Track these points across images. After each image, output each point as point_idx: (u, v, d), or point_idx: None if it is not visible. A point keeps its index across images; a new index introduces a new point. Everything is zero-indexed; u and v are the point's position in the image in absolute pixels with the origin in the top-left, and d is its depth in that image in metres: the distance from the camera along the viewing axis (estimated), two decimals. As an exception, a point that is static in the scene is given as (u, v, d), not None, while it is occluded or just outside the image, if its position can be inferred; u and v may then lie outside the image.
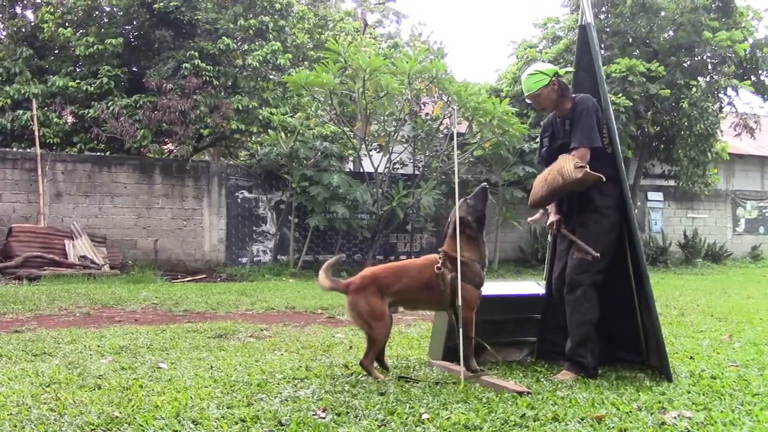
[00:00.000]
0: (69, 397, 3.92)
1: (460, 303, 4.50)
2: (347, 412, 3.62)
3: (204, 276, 13.71)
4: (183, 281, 12.85)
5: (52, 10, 15.25)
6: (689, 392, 4.13)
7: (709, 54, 17.38)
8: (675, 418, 3.56)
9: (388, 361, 5.04)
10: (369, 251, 15.00)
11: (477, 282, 4.63)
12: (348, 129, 14.82)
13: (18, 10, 16.65)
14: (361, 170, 15.73)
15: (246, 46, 15.70)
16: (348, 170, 16.02)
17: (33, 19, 16.11)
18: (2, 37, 15.88)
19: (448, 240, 4.72)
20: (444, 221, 4.86)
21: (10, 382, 4.35)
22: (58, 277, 11.75)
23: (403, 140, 15.65)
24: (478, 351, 4.82)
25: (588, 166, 4.51)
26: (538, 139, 15.30)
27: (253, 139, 15.87)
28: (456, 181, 4.84)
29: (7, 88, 14.51)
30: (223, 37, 15.20)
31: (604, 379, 4.51)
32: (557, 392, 4.09)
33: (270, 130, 14.69)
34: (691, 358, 5.26)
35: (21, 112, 14.28)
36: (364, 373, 4.59)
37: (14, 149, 14.62)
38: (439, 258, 4.65)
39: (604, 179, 4.50)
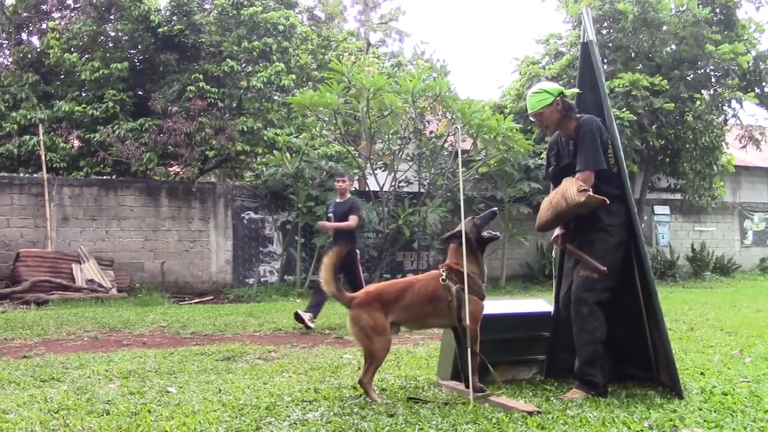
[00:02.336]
0: (78, 424, 3.91)
1: (467, 318, 4.49)
2: (356, 435, 3.61)
3: (211, 297, 13.71)
4: (190, 303, 12.85)
5: (57, 35, 15.39)
6: (700, 409, 4.10)
7: (712, 67, 17.39)
8: (687, 436, 3.53)
9: (395, 382, 5.03)
10: (376, 270, 14.98)
11: (480, 294, 4.67)
12: (353, 148, 14.86)
13: (24, 36, 16.80)
14: (367, 189, 15.75)
15: (250, 68, 15.80)
16: (353, 189, 16.04)
17: (39, 45, 16.25)
18: (8, 63, 16.01)
19: (451, 254, 4.77)
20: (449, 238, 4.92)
21: (18, 408, 4.34)
22: (65, 301, 11.75)
23: (408, 158, 15.68)
24: (483, 372, 4.81)
25: (593, 187, 4.52)
26: (542, 155, 15.20)
27: (259, 160, 15.92)
28: (461, 198, 4.85)
29: (14, 114, 14.61)
30: (227, 60, 15.30)
31: (615, 397, 4.48)
32: (567, 411, 4.07)
33: (275, 151, 14.74)
34: (702, 374, 5.23)
35: (28, 137, 14.37)
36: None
37: (21, 174, 14.71)
38: (443, 271, 4.69)
39: (608, 202, 4.51)
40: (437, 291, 4.64)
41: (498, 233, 4.97)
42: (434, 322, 4.89)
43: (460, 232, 4.74)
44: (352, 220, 9.33)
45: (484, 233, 4.83)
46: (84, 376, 5.54)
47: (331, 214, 9.57)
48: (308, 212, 14.28)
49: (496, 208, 5.09)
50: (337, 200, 9.73)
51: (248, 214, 15.40)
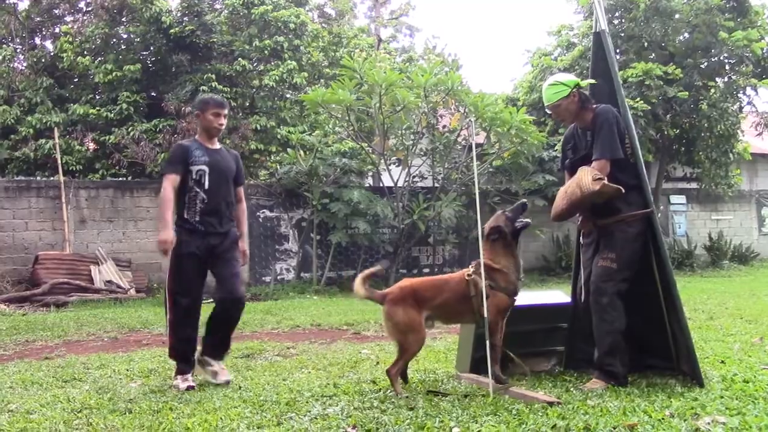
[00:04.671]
0: (101, 422, 3.95)
1: (485, 311, 4.50)
2: (377, 429, 3.62)
3: (228, 296, 13.74)
4: (207, 302, 12.85)
5: (70, 39, 15.50)
6: (722, 397, 4.08)
7: (726, 54, 17.24)
8: (709, 423, 3.52)
9: (414, 375, 5.04)
10: (392, 265, 14.98)
11: (510, 290, 4.68)
12: (366, 144, 14.86)
13: (37, 40, 16.95)
14: (381, 185, 15.75)
15: (262, 67, 15.85)
16: (368, 185, 16.04)
17: (52, 49, 16.39)
18: (23, 68, 16.14)
19: (487, 250, 4.76)
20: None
21: (42, 408, 4.39)
22: (85, 302, 11.84)
23: (422, 153, 15.67)
24: (506, 363, 4.81)
25: (610, 176, 4.51)
26: (556, 147, 15.05)
27: (273, 158, 15.97)
28: (477, 192, 4.84)
29: (30, 118, 14.75)
30: (239, 59, 15.35)
31: (635, 387, 4.47)
32: (588, 401, 4.07)
33: (289, 149, 14.77)
34: (723, 362, 5.20)
35: (43, 141, 14.50)
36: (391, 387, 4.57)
37: (38, 178, 14.82)
38: (472, 266, 4.69)
39: (623, 191, 4.49)
40: (469, 291, 4.65)
41: (529, 220, 4.93)
42: (468, 319, 4.88)
43: (493, 228, 4.75)
44: (244, 198, 5.81)
45: (517, 224, 4.83)
46: (105, 375, 5.59)
47: (204, 168, 5.36)
48: (323, 209, 14.30)
49: (525, 201, 5.09)
50: (207, 145, 5.52)
51: (263, 212, 15.43)
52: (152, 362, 6.17)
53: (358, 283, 4.72)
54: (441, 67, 15.71)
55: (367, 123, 15.39)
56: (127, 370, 5.80)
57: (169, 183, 5.25)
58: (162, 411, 4.21)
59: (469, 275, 4.66)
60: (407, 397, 4.37)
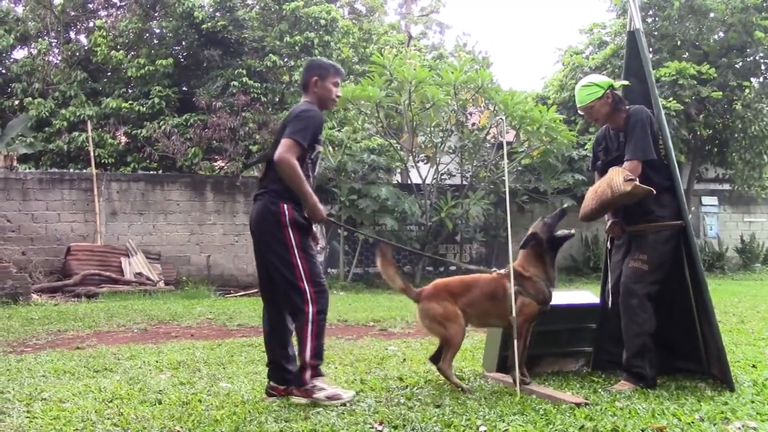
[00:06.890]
0: (131, 412, 4.01)
1: (513, 311, 4.49)
2: (404, 425, 3.63)
3: (256, 290, 13.84)
4: (236, 296, 13.01)
5: (104, 33, 15.69)
6: (753, 402, 4.04)
7: (761, 54, 17.00)
8: (739, 428, 3.49)
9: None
10: (419, 263, 14.99)
11: (539, 298, 4.62)
12: (395, 141, 14.87)
13: (72, 35, 17.18)
14: (409, 182, 15.74)
15: (292, 63, 15.90)
16: (396, 182, 16.04)
17: (86, 43, 16.60)
18: (58, 61, 16.37)
19: (521, 257, 4.78)
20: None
21: (74, 397, 4.46)
22: (115, 293, 11.99)
23: (450, 151, 15.64)
24: (533, 362, 4.80)
25: (644, 177, 4.47)
26: (586, 146, 14.87)
27: (301, 153, 16.02)
28: (507, 190, 4.83)
29: (63, 111, 14.97)
30: (270, 55, 15.42)
31: (664, 390, 4.43)
32: (616, 403, 4.04)
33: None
34: (754, 366, 5.14)
35: (77, 133, 14.70)
36: (420, 385, 4.59)
37: (71, 170, 15.04)
38: (506, 269, 4.68)
39: (655, 192, 4.45)
40: (498, 290, 4.65)
41: (573, 231, 4.85)
42: (494, 322, 4.85)
43: (532, 235, 4.73)
44: None
45: (558, 233, 4.79)
46: (135, 366, 5.66)
47: (321, 149, 4.95)
48: (351, 205, 14.32)
49: (566, 206, 5.06)
50: None
51: (292, 207, 15.46)
52: (181, 354, 6.23)
53: (390, 272, 4.73)
54: (471, 64, 15.63)
55: (396, 120, 15.39)
56: (157, 361, 5.87)
57: (294, 153, 4.40)
58: (191, 402, 4.26)
59: (499, 274, 4.67)
60: (433, 393, 4.38)
